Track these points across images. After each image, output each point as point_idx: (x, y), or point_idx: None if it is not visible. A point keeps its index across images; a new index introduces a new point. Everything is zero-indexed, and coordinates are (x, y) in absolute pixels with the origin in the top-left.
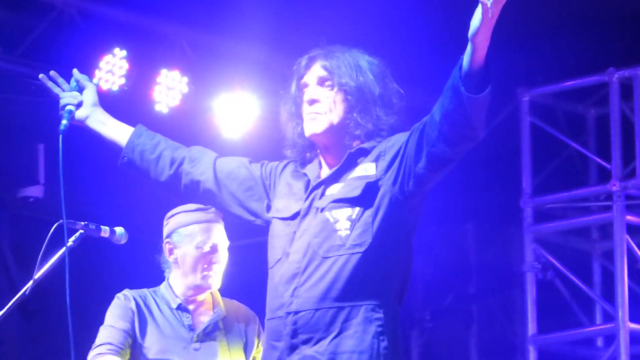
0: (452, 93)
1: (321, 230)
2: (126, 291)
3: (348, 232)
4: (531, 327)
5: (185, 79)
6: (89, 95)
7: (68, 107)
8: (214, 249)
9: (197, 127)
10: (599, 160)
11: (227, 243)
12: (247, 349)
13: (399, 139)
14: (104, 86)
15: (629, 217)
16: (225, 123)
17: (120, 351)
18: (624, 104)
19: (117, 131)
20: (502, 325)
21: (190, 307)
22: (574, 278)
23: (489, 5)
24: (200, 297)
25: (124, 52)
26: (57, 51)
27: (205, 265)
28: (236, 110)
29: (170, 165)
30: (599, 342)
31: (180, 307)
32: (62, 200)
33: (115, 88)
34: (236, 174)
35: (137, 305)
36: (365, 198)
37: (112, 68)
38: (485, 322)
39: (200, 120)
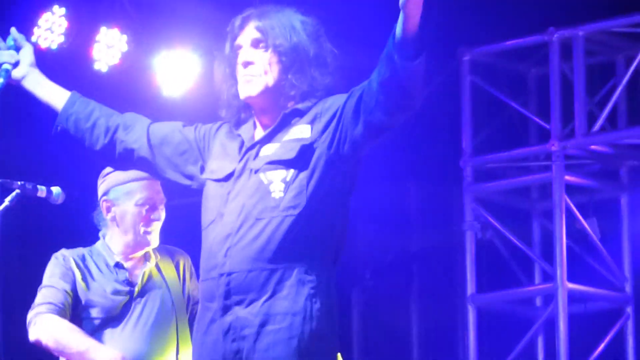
0: (387, 61)
1: (255, 191)
2: (64, 251)
3: (282, 194)
4: (470, 287)
5: (125, 37)
6: (27, 55)
7: (4, 66)
8: (153, 206)
9: (137, 85)
10: (538, 120)
11: (164, 200)
12: (182, 285)
13: (336, 101)
14: (43, 44)
15: (567, 177)
16: (166, 81)
17: (60, 310)
18: (564, 64)
19: (53, 94)
20: (443, 284)
21: (128, 264)
22: (513, 238)
23: None
24: (138, 255)
25: (62, 10)
26: None
27: (144, 223)
28: (177, 68)
29: (105, 134)
30: (538, 302)
31: (117, 265)
32: None
33: (54, 46)
34: (170, 139)
35: (77, 264)
36: (300, 160)
37: (51, 26)
38: (426, 280)
39: (140, 79)
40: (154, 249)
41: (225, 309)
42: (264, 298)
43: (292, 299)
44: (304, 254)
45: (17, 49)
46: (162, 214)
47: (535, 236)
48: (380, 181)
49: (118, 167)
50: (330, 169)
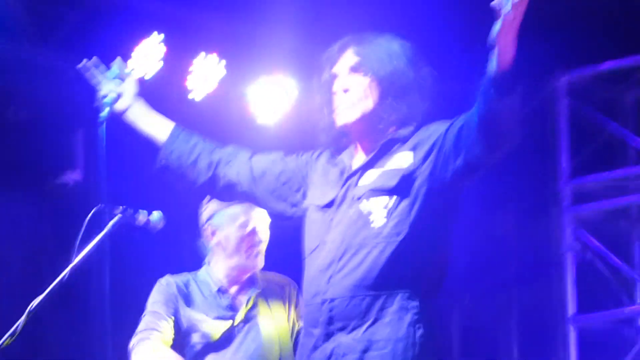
0: (484, 97)
1: (358, 218)
2: (168, 277)
3: (385, 220)
4: (571, 307)
5: (223, 62)
6: (130, 86)
7: (110, 95)
8: (256, 229)
9: (232, 113)
10: (637, 140)
11: (268, 221)
12: (288, 314)
13: (437, 129)
14: (141, 72)
15: None
16: (260, 109)
17: (162, 337)
18: None
19: (155, 126)
20: (543, 305)
21: (232, 289)
22: (614, 258)
23: (503, 12)
24: (244, 277)
25: (161, 36)
26: (94, 37)
27: (250, 245)
28: (271, 95)
29: (207, 169)
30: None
31: (220, 290)
32: (103, 187)
33: (149, 74)
34: (272, 170)
35: (180, 290)
36: (402, 188)
37: (149, 53)
38: (526, 303)
39: (236, 106)
40: (261, 274)
41: (328, 335)
42: (366, 324)
43: (395, 325)
44: (406, 280)
45: (121, 79)
46: (266, 236)
47: (636, 256)
48: (477, 205)
49: (221, 199)
50: (432, 197)
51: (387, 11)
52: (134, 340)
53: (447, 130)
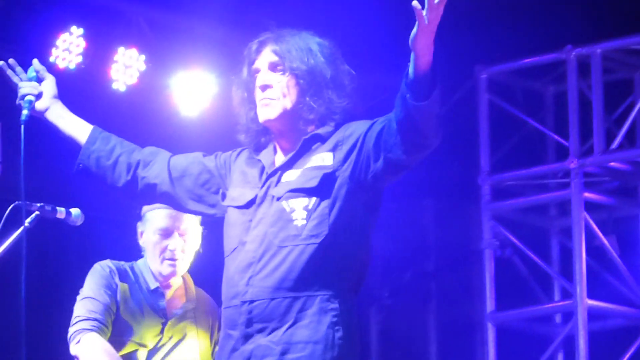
0: (401, 101)
1: (277, 219)
2: (109, 262)
3: (304, 222)
4: (489, 304)
5: (143, 57)
6: (49, 87)
7: (28, 98)
8: (168, 234)
9: (155, 105)
10: (557, 137)
11: (194, 228)
12: (211, 340)
13: (357, 129)
14: (61, 64)
15: (586, 194)
16: (183, 101)
17: (102, 328)
18: (581, 82)
19: (74, 128)
20: (461, 302)
21: (167, 291)
22: (532, 255)
23: (423, 13)
24: (173, 282)
25: (80, 30)
26: (13, 29)
27: (162, 252)
28: (194, 88)
29: (127, 171)
30: (557, 319)
31: (157, 290)
32: (22, 187)
33: (72, 66)
34: (190, 171)
35: (120, 277)
36: (322, 188)
37: (69, 46)
38: (444, 299)
39: (158, 98)
40: (198, 291)
41: (247, 337)
42: (285, 326)
43: (314, 327)
44: (326, 282)
45: (39, 80)
46: (184, 244)
47: (554, 253)
48: (397, 199)
49: (141, 202)
50: (352, 198)
51: (308, 6)
52: (73, 329)
53: (367, 130)
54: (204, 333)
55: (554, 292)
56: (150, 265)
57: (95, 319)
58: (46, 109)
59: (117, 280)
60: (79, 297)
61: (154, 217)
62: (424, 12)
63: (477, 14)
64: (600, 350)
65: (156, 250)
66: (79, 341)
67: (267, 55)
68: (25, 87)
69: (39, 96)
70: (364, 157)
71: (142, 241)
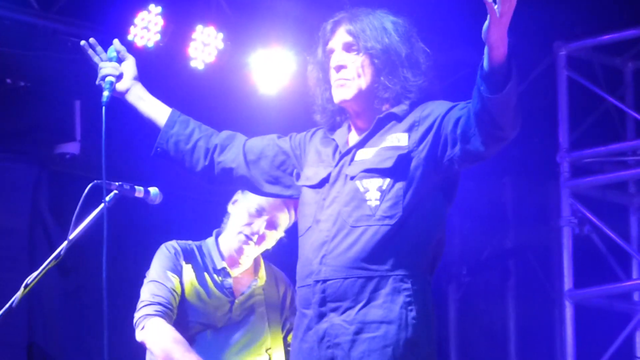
0: (477, 93)
1: (351, 199)
2: (174, 242)
3: (378, 202)
4: (567, 282)
5: (221, 35)
6: (130, 68)
7: (109, 79)
8: (259, 214)
9: (233, 83)
10: (636, 114)
11: (279, 233)
12: (282, 316)
13: (435, 110)
14: (139, 42)
15: None
16: (262, 79)
17: (168, 312)
18: None
19: (154, 109)
20: (540, 279)
21: (234, 270)
22: (610, 233)
23: (495, 6)
24: (242, 261)
25: (159, 8)
26: (92, 8)
27: (242, 229)
28: (272, 66)
29: (205, 156)
30: (636, 297)
31: (224, 271)
32: (103, 168)
33: (150, 44)
34: (266, 153)
35: (186, 259)
36: (396, 170)
37: (148, 24)
38: (522, 276)
39: (237, 77)
40: (267, 268)
41: (321, 316)
42: (359, 306)
43: (387, 307)
44: (400, 263)
45: (120, 61)
46: (262, 226)
47: (633, 231)
48: (476, 177)
49: (219, 186)
50: (427, 181)
51: None
52: (138, 314)
53: (445, 114)
54: (274, 310)
55: (632, 269)
56: (225, 239)
57: (159, 303)
58: (127, 91)
59: (182, 261)
60: (145, 280)
61: (262, 199)
62: (496, 6)
63: None
64: None
65: (237, 226)
66: (143, 327)
67: (341, 36)
68: (106, 68)
69: (119, 77)
70: (442, 141)
71: (232, 210)
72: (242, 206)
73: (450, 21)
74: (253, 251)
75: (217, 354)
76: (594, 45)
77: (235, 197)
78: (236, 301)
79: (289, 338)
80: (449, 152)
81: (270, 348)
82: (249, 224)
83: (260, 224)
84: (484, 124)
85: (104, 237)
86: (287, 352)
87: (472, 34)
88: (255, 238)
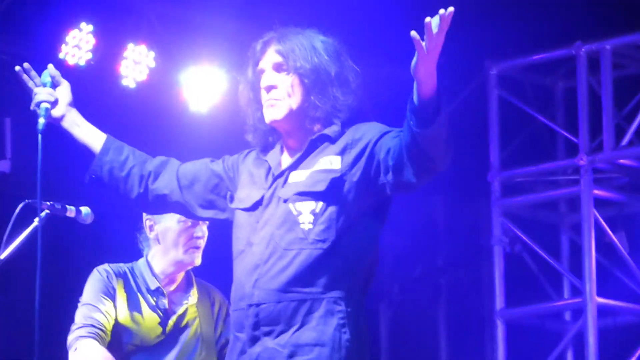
0: (407, 127)
1: (284, 221)
2: (107, 266)
3: (311, 225)
4: (499, 301)
5: (152, 53)
6: (65, 94)
7: (43, 105)
8: (195, 223)
9: (165, 101)
10: (566, 134)
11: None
12: (216, 331)
13: (367, 133)
14: (71, 61)
15: (596, 191)
16: (193, 97)
17: (101, 334)
18: (591, 78)
19: (89, 136)
20: (471, 298)
21: (168, 288)
22: (541, 252)
23: (422, 43)
24: (179, 276)
25: (90, 27)
26: (24, 25)
27: (188, 240)
28: (204, 84)
29: (139, 183)
30: (567, 316)
31: (158, 290)
32: (38, 191)
33: (82, 63)
34: (199, 177)
35: (118, 281)
36: (329, 193)
37: (79, 42)
38: (453, 295)
39: (168, 95)
40: (197, 282)
41: (254, 340)
42: (292, 329)
43: (321, 329)
44: (333, 285)
45: (54, 85)
46: (205, 231)
47: (564, 250)
48: (407, 195)
49: (153, 212)
50: (360, 204)
51: (314, 2)
52: (71, 336)
53: (378, 139)
54: (208, 325)
55: (563, 289)
56: (163, 257)
57: (92, 325)
58: (62, 117)
59: (114, 284)
60: (79, 304)
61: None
62: (423, 43)
63: (487, 9)
64: (610, 347)
65: (181, 239)
66: (76, 349)
67: (271, 56)
68: (41, 94)
69: (54, 103)
70: (375, 167)
71: (154, 234)
72: (169, 223)
73: (380, 38)
74: (200, 257)
75: None
76: (525, 64)
77: (149, 223)
78: (169, 321)
79: (225, 351)
80: (382, 179)
81: None
82: (190, 233)
83: (202, 228)
84: (414, 157)
85: (38, 257)
86: None
87: (402, 50)
88: (201, 244)
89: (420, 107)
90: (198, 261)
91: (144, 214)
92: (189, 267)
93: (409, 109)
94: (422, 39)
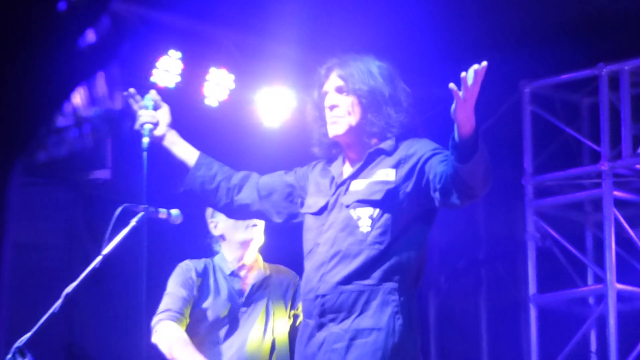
0: (450, 160)
1: (346, 225)
2: (187, 261)
3: (369, 229)
4: (532, 288)
5: (232, 76)
6: (165, 116)
7: (147, 126)
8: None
9: (243, 118)
10: (590, 143)
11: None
12: (286, 306)
13: (419, 149)
14: (161, 83)
15: (616, 193)
16: (266, 114)
17: (179, 317)
18: (612, 94)
19: (185, 153)
20: (507, 286)
21: (242, 272)
22: (569, 245)
23: (460, 93)
24: (248, 261)
25: (178, 54)
26: (122, 52)
27: (245, 226)
28: (276, 102)
29: (226, 195)
30: (591, 301)
31: (232, 274)
32: (144, 197)
33: (171, 85)
34: (275, 188)
35: (197, 274)
36: (385, 201)
37: (168, 67)
38: (492, 284)
39: (245, 112)
40: (269, 266)
41: (321, 326)
42: (353, 316)
43: (378, 316)
44: (388, 278)
45: (156, 108)
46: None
47: (588, 244)
48: None
49: (237, 218)
50: (411, 211)
51: (370, 31)
52: (154, 320)
53: (428, 158)
54: (278, 299)
55: (587, 277)
56: (230, 246)
57: (170, 310)
58: (162, 137)
59: (194, 276)
60: (164, 294)
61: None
62: (461, 93)
63: (523, 35)
64: (628, 328)
65: (239, 224)
66: (156, 330)
67: (333, 80)
68: (145, 116)
69: (156, 124)
70: (425, 182)
71: (219, 232)
72: (227, 223)
73: (427, 63)
74: (260, 234)
75: (227, 350)
76: (554, 83)
77: (212, 224)
78: (242, 299)
79: (296, 324)
80: (431, 194)
81: (274, 335)
82: (247, 225)
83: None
84: (457, 185)
85: (144, 256)
86: (293, 334)
87: (446, 74)
88: (256, 221)
89: (460, 144)
90: (258, 238)
91: (208, 219)
92: (252, 244)
93: (451, 145)
94: (460, 89)
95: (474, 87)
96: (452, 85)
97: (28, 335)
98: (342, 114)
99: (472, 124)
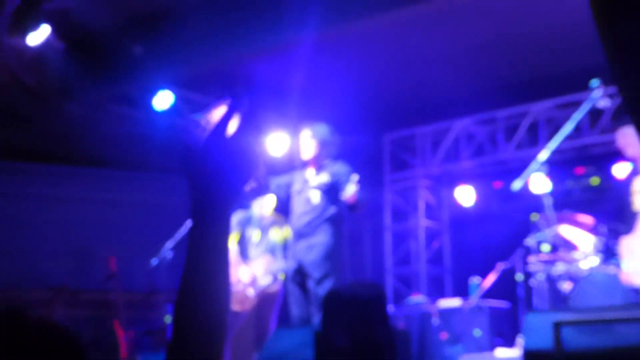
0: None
1: (309, 199)
2: (239, 211)
3: (318, 200)
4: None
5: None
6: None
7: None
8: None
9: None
10: None
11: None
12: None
13: (339, 171)
14: None
15: None
16: (272, 148)
17: (232, 241)
18: None
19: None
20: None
21: (264, 219)
22: None
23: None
24: (266, 212)
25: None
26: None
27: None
28: (276, 142)
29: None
30: None
31: (260, 218)
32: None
33: None
34: (281, 187)
35: (241, 223)
36: (325, 188)
37: None
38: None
39: (259, 147)
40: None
41: (298, 239)
42: (312, 236)
43: (322, 236)
44: (327, 221)
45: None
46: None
47: None
48: None
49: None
50: (333, 193)
51: (321, 110)
52: None
53: (344, 180)
54: (280, 228)
55: None
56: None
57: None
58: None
59: (238, 219)
60: None
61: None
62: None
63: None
64: None
65: (259, 201)
66: None
67: (308, 133)
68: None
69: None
70: (339, 187)
71: (259, 205)
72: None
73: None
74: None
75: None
76: None
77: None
78: (262, 229)
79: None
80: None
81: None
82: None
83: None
84: (352, 210)
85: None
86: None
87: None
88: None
89: (350, 207)
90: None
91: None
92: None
93: (346, 205)
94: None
95: (352, 197)
96: (352, 187)
97: None
98: (310, 148)
99: (355, 200)
